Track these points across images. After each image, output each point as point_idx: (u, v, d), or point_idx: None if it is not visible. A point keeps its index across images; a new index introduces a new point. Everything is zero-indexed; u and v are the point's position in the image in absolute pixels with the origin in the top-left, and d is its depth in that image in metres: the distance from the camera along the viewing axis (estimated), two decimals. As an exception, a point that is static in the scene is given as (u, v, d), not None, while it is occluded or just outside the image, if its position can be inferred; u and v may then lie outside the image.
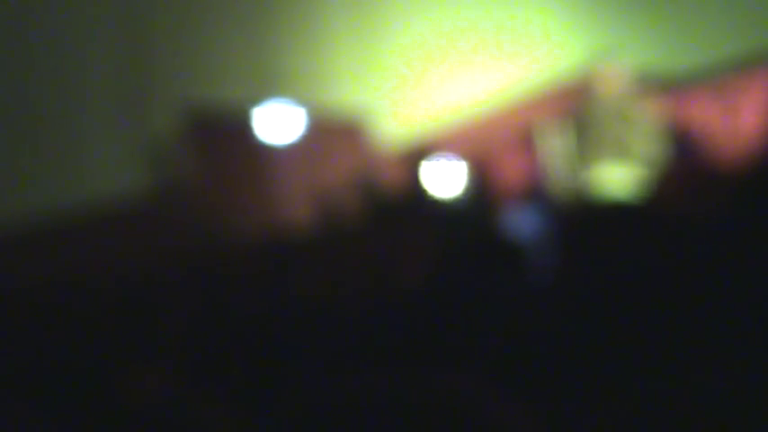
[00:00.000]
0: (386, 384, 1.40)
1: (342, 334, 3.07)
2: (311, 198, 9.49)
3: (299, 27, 10.90)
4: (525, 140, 9.73)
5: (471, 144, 10.04)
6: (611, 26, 10.24)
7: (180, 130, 10.21)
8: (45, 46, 10.42)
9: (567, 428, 1.95)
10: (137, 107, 10.52)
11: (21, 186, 10.24)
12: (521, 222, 7.36)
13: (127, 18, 10.61)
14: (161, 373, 3.07)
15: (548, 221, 6.79)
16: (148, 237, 9.57)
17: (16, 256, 9.52)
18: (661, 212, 2.38)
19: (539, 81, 10.39)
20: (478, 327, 2.65)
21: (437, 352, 2.71)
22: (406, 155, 10.07)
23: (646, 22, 10.10)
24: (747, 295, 2.09)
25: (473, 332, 2.64)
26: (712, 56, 9.62)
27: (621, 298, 2.19)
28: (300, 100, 10.23)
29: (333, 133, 10.41)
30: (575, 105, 8.98)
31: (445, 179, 9.23)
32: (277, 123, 10.02)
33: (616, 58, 8.80)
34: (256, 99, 10.14)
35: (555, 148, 9.14)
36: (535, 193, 8.89)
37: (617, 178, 8.29)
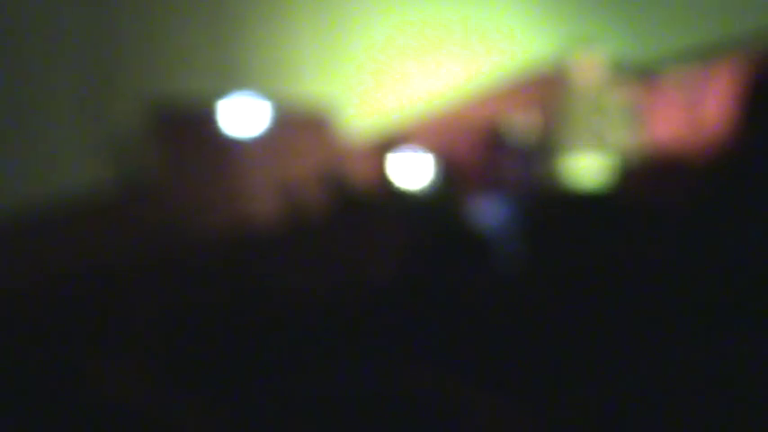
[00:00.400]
0: (356, 377, 1.38)
1: (310, 327, 3.05)
2: (277, 191, 9.46)
3: (264, 19, 10.86)
4: (493, 132, 9.73)
5: (438, 136, 10.03)
6: (579, 16, 10.25)
7: (144, 124, 10.15)
8: (5, 38, 10.33)
9: (538, 414, 1.94)
10: (100, 101, 10.45)
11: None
12: (488, 214, 7.36)
13: (90, 11, 10.54)
14: (131, 367, 3.05)
15: (515, 212, 6.80)
16: (113, 232, 9.51)
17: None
18: (627, 202, 2.38)
19: (507, 72, 10.40)
20: (447, 318, 2.64)
21: (406, 344, 2.70)
22: (372, 147, 10.06)
23: (614, 11, 10.12)
24: (713, 282, 2.09)
25: (442, 324, 2.63)
26: (679, 45, 9.65)
27: (587, 286, 2.19)
28: (266, 93, 10.19)
29: (299, 126, 10.38)
30: (548, 95, 8.98)
31: (412, 171, 9.22)
32: (242, 117, 9.97)
33: (591, 47, 8.79)
34: (221, 92, 10.09)
35: (524, 139, 9.15)
36: (502, 185, 8.89)
37: (590, 168, 8.30)
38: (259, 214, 9.46)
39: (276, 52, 10.83)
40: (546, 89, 9.25)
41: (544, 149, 8.75)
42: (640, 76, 9.43)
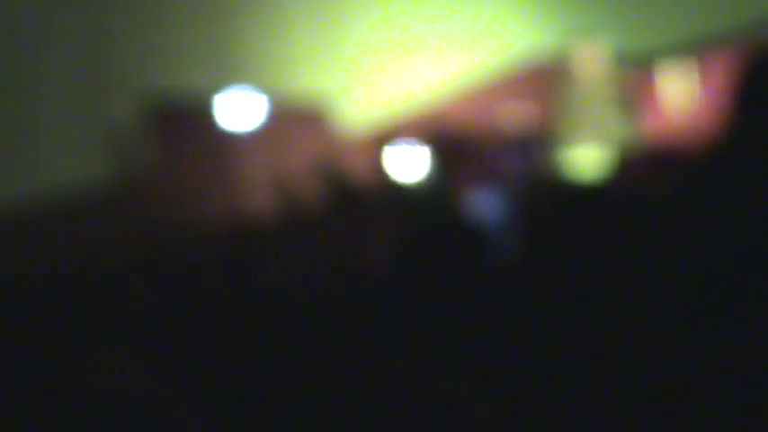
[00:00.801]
0: (352, 369, 1.38)
1: (306, 320, 3.05)
2: (273, 185, 9.46)
3: (261, 14, 10.86)
4: (490, 124, 9.72)
5: (435, 129, 10.03)
6: (576, 8, 10.24)
7: (141, 118, 10.15)
8: (2, 33, 10.32)
9: (530, 407, 1.95)
10: (97, 95, 10.45)
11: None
12: (485, 206, 7.36)
13: (87, 5, 10.53)
14: (126, 359, 3.05)
15: (512, 205, 6.80)
16: (110, 225, 9.51)
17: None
18: (624, 193, 2.38)
19: (504, 64, 10.39)
20: (444, 311, 2.64)
21: (402, 336, 2.70)
22: (368, 141, 10.06)
23: (611, 4, 10.12)
24: (707, 273, 2.10)
25: (438, 317, 2.63)
26: (675, 37, 9.65)
27: (583, 278, 2.19)
28: (262, 87, 10.19)
29: (294, 120, 10.38)
30: (547, 87, 8.95)
31: (408, 164, 9.22)
32: (238, 110, 9.97)
33: (592, 39, 8.76)
34: (218, 86, 10.09)
35: (522, 131, 9.14)
36: (500, 177, 8.89)
37: (589, 159, 8.29)
38: (255, 207, 9.46)
39: (273, 46, 10.82)
40: (544, 81, 9.24)
41: (542, 141, 8.74)
42: (636, 67, 9.42)
